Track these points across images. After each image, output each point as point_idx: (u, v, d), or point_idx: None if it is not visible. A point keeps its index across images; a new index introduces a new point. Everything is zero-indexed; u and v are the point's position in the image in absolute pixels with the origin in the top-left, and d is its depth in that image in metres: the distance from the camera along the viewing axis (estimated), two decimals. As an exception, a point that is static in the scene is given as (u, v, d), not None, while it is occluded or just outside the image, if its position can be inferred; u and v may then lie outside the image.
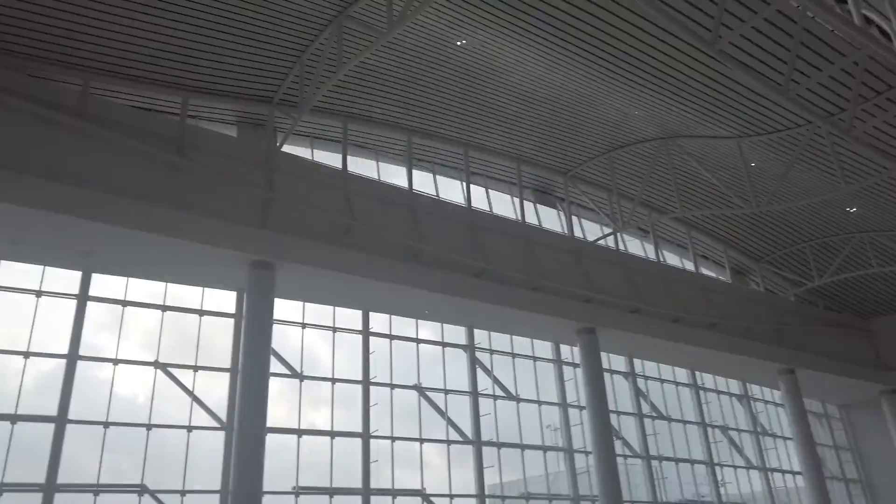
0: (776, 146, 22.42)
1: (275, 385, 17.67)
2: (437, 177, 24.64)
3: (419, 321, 22.28)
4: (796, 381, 30.19)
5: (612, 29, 17.72)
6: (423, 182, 23.82)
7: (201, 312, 18.72)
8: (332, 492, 18.44)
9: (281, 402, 19.16)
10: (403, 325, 22.02)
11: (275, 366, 18.17)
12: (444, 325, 22.78)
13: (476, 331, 23.32)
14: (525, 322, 22.98)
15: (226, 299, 19.23)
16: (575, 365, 24.95)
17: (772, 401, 33.22)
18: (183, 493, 16.62)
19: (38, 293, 16.81)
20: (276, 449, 17.91)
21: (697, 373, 29.89)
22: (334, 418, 19.33)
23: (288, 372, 19.18)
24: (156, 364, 17.59)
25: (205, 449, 17.44)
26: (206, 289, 18.92)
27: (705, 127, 22.42)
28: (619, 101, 21.94)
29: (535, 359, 24.54)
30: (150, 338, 17.81)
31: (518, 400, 23.27)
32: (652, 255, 29.68)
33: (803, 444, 29.05)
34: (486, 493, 21.02)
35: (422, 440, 20.69)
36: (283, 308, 19.37)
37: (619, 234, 28.04)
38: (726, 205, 26.32)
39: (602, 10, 16.91)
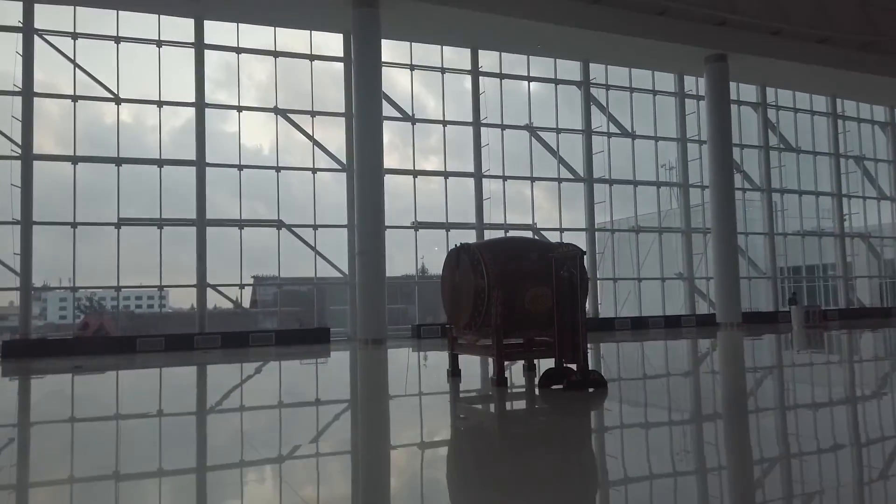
0: None
1: (387, 134, 18.05)
2: None
3: (531, 57, 21.19)
4: (958, 107, 26.98)
5: None
6: None
7: (311, 57, 18.75)
8: (448, 226, 19.72)
9: (393, 152, 19.82)
10: (514, 64, 21.10)
11: (386, 110, 18.40)
12: (558, 60, 21.55)
13: (591, 65, 21.98)
14: (647, 52, 21.20)
15: (334, 44, 19.02)
16: (699, 98, 23.40)
17: (921, 128, 30.23)
18: (315, 227, 18.42)
19: (159, 43, 17.35)
20: (394, 192, 19.04)
21: (839, 100, 27.25)
22: (446, 164, 19.87)
23: (399, 115, 19.43)
24: (275, 110, 18.34)
25: (329, 190, 18.84)
26: (313, 36, 18.71)
27: None
28: None
29: (654, 93, 23.15)
30: (267, 93, 18.38)
31: (634, 136, 22.60)
32: (804, -35, 25.37)
33: (949, 175, 26.89)
34: (596, 228, 21.65)
35: (533, 178, 21.05)
36: (390, 52, 19.04)
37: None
38: None
39: None
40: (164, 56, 17.38)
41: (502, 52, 20.70)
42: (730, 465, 4.26)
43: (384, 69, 17.94)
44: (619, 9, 19.74)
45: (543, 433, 5.33)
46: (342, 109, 18.74)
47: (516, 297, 7.54)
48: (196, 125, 17.42)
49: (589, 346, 7.89)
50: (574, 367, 7.03)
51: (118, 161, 16.84)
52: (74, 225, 16.45)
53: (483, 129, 20.26)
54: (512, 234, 20.25)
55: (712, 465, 4.33)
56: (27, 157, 16.00)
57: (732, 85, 22.71)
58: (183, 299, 19.32)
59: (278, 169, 18.23)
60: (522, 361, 8.63)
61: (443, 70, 20.06)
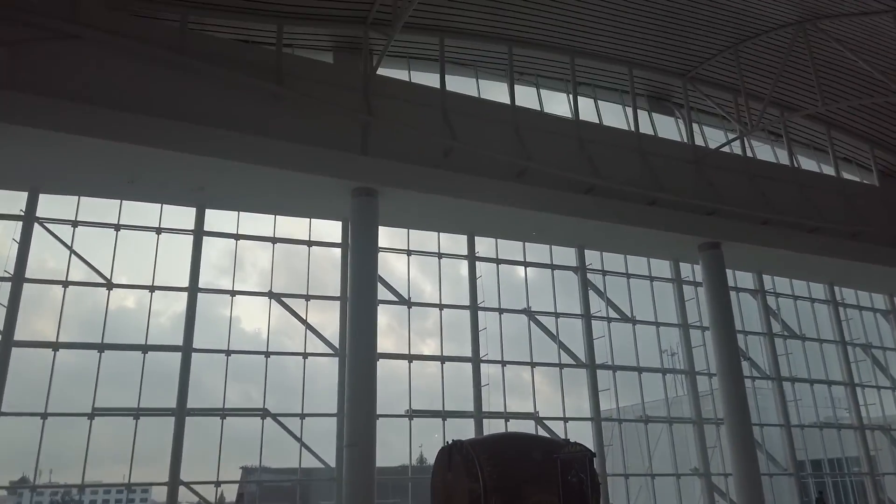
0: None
1: (383, 318, 17.64)
2: (541, 90, 23.08)
3: (526, 244, 21.48)
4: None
5: None
6: (526, 97, 22.35)
7: (310, 243, 18.95)
8: (444, 415, 18.60)
9: (389, 334, 19.39)
10: (510, 249, 21.33)
11: (382, 294, 18.18)
12: (553, 246, 21.83)
13: (587, 251, 22.22)
14: (641, 239, 21.58)
15: (333, 231, 19.34)
16: (696, 284, 23.41)
17: (923, 316, 30.02)
18: (302, 416, 17.33)
19: (158, 230, 17.58)
20: (389, 377, 18.24)
21: (837, 287, 27.29)
22: (443, 348, 19.27)
23: (396, 299, 19.20)
24: (270, 294, 18.11)
25: (321, 375, 18.02)
26: (313, 223, 19.10)
27: (853, 1, 19.27)
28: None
29: (651, 279, 23.18)
30: (264, 278, 18.34)
31: (634, 322, 22.21)
32: (784, 160, 26.81)
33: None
34: (602, 417, 20.46)
35: (533, 363, 20.30)
36: (387, 238, 19.32)
37: (746, 139, 25.43)
38: (879, 93, 22.78)
39: None
40: (162, 242, 17.53)
41: (498, 238, 21.00)
42: None
43: (381, 254, 18.04)
44: (612, 199, 20.37)
45: None
46: (338, 293, 18.52)
47: (517, 504, 6.53)
48: (187, 310, 17.07)
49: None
50: None
51: (101, 347, 16.21)
52: (45, 416, 15.39)
53: (480, 314, 19.91)
54: (513, 425, 19.06)
55: None
56: (6, 343, 15.40)
57: (729, 272, 22.79)
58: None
59: (267, 354, 17.57)
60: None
61: (439, 255, 20.20)
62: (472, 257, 20.44)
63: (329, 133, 17.28)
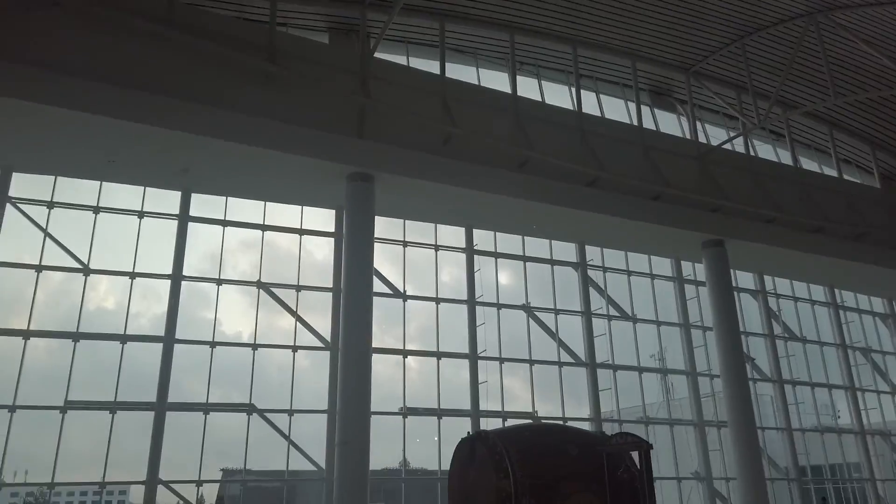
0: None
1: (376, 312, 16.68)
2: (543, 81, 22.36)
3: (526, 237, 20.70)
4: (954, 300, 26.62)
5: None
6: (527, 89, 21.54)
7: (301, 231, 18.02)
8: (440, 413, 17.72)
9: (382, 330, 18.44)
10: (509, 243, 20.54)
11: (377, 286, 17.28)
12: (553, 241, 21.06)
13: (588, 247, 21.50)
14: (643, 235, 20.88)
15: (325, 219, 18.42)
16: (698, 283, 22.78)
17: (921, 321, 29.67)
18: (291, 412, 16.36)
19: (140, 214, 16.56)
20: (383, 375, 17.36)
21: (837, 290, 26.82)
22: (439, 344, 18.39)
23: (390, 292, 18.33)
24: (258, 284, 17.15)
25: (310, 372, 17.07)
26: (304, 210, 18.16)
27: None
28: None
29: (652, 276, 22.50)
30: (253, 270, 17.33)
31: (635, 320, 21.50)
32: (785, 159, 26.32)
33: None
34: (602, 418, 19.68)
35: (532, 361, 19.50)
36: (383, 229, 18.41)
37: (748, 138, 24.89)
38: (887, 86, 22.24)
39: None
40: (145, 228, 16.50)
41: (497, 231, 20.21)
42: None
43: (376, 245, 17.14)
44: (614, 192, 19.66)
45: None
46: (330, 285, 17.60)
47: (550, 506, 5.69)
48: (169, 298, 16.04)
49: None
50: None
51: (76, 336, 15.13)
52: (13, 409, 14.28)
53: (478, 309, 19.08)
54: (512, 422, 18.22)
55: None
56: (-27, 331, 14.29)
57: (731, 272, 22.17)
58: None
59: (255, 346, 16.57)
60: None
61: (437, 247, 19.36)
62: (470, 250, 19.64)
63: (324, 114, 16.36)
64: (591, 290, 21.09)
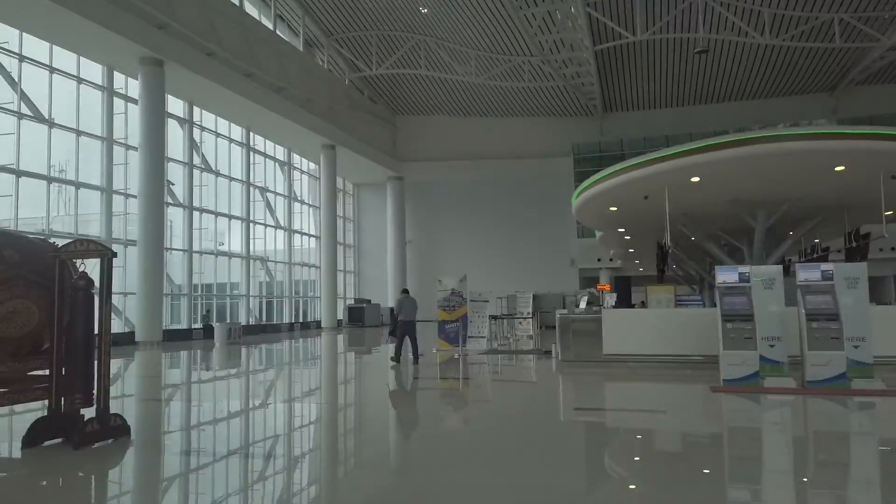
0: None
1: None
2: None
3: None
4: (335, 157, 32.99)
5: None
6: None
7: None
8: None
9: None
10: None
11: None
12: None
13: (1, 26, 17.66)
14: (69, 25, 18.17)
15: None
16: (129, 99, 21.65)
17: (307, 171, 35.79)
18: None
19: None
20: None
21: (252, 133, 29.65)
22: None
23: None
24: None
25: None
26: None
27: None
28: None
29: (80, 80, 20.21)
30: None
31: (52, 124, 19.10)
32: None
33: (328, 214, 32.54)
34: (-5, 226, 17.18)
35: None
36: None
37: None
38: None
39: None
40: None
41: None
42: None
43: None
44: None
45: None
46: None
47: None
48: None
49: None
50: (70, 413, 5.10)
51: None
52: None
53: None
54: None
55: None
56: None
57: (166, 96, 21.86)
58: None
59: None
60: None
61: None
62: None
63: None
64: (1, 80, 17.59)
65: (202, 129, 26.24)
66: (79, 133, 19.96)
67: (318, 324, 33.22)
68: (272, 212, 31.79)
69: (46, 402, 5.20)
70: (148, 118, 20.39)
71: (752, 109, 34.90)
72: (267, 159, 31.38)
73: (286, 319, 32.38)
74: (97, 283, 5.34)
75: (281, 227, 32.41)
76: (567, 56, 29.48)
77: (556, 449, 5.02)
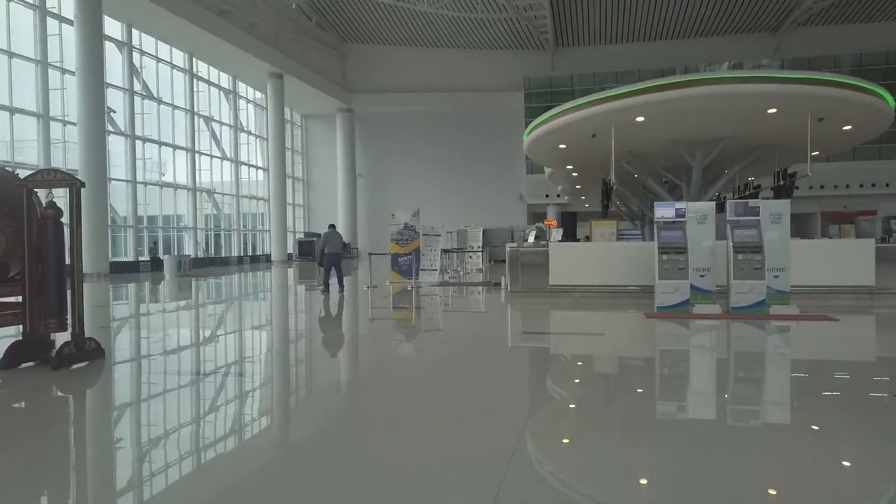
0: None
1: None
2: None
3: None
4: (282, 87, 32.20)
5: None
6: None
7: None
8: None
9: None
10: None
11: None
12: None
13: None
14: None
15: None
16: (63, 20, 20.55)
17: (253, 101, 34.87)
18: None
19: None
20: None
21: (196, 59, 28.58)
22: None
23: None
24: None
25: None
26: None
27: None
28: None
29: (8, -2, 19.07)
30: None
31: (-20, 45, 18.09)
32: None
33: (276, 145, 32.01)
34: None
35: None
36: None
37: None
38: None
39: None
40: None
41: None
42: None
43: None
44: None
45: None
46: None
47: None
48: None
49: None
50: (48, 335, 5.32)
51: None
52: None
53: None
54: None
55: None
56: None
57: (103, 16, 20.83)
58: None
59: None
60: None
61: None
62: None
63: None
64: (-80, -5, 16.46)
65: (142, 53, 25.19)
66: (11, 55, 18.97)
67: (267, 257, 33.18)
68: (218, 142, 31.08)
69: (20, 327, 5.40)
70: (85, 40, 19.52)
71: (699, 47, 35.52)
72: (211, 87, 30.42)
73: (235, 253, 32.20)
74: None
75: (227, 159, 31.78)
76: (520, -12, 29.17)
77: (508, 370, 5.54)
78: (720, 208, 11.02)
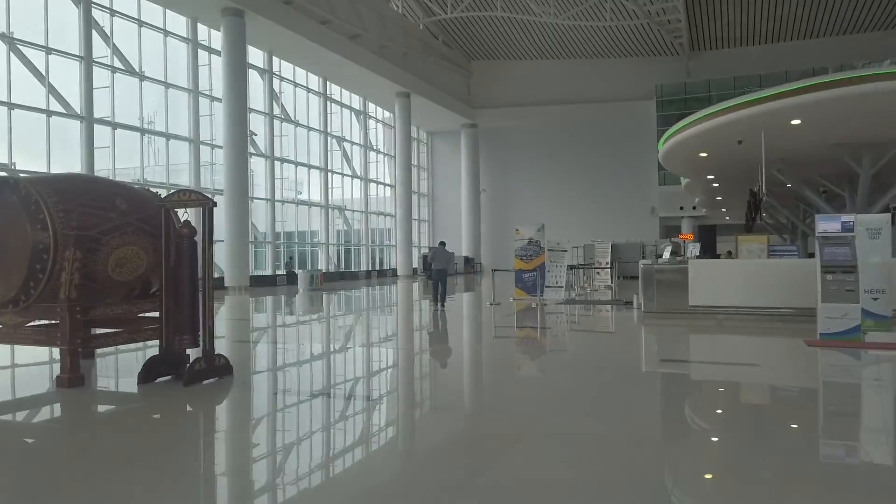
0: None
1: None
2: None
3: (9, -54, 16.21)
4: (409, 105, 32.90)
5: None
6: None
7: None
8: None
9: None
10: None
11: None
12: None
13: (93, -16, 18.30)
14: (162, -16, 18.80)
15: None
16: (212, 51, 22.17)
17: (382, 120, 35.94)
18: None
19: None
20: None
21: (329, 83, 29.88)
22: None
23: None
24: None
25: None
26: None
27: None
28: None
29: (166, 32, 20.80)
30: None
31: (142, 77, 19.84)
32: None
33: (402, 162, 32.74)
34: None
35: (11, 104, 16.23)
36: None
37: None
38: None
39: None
40: None
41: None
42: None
43: None
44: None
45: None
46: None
47: (98, 259, 5.38)
48: None
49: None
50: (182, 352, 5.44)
51: None
52: None
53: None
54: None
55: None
56: None
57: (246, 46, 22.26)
58: None
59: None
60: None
61: None
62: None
63: None
64: (95, 34, 18.32)
65: (281, 79, 26.65)
66: (167, 86, 20.68)
67: (394, 272, 33.86)
68: (349, 161, 32.24)
69: (158, 341, 5.56)
70: (231, 69, 20.86)
71: (854, 44, 32.26)
72: (343, 108, 31.66)
73: (363, 267, 33.15)
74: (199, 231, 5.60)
75: (357, 177, 32.88)
76: (651, -7, 27.97)
77: (643, 400, 4.97)
78: (894, 221, 9.65)
